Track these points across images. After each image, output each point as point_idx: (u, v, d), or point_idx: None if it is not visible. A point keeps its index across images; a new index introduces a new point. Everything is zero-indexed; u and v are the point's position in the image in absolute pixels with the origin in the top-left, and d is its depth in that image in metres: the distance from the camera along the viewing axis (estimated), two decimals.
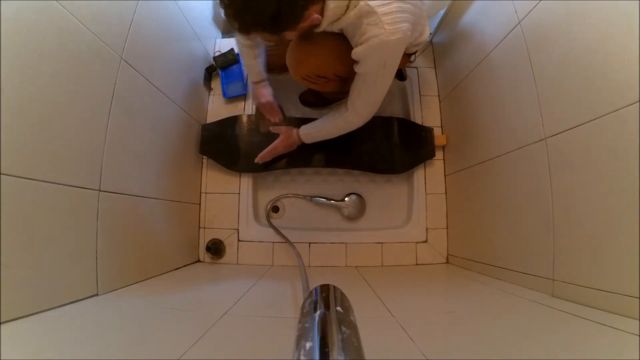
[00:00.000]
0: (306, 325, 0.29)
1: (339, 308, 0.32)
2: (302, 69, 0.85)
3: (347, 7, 0.70)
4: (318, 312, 0.31)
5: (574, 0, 0.59)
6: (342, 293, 0.37)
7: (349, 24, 0.72)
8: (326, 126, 0.96)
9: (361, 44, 0.72)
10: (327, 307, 0.32)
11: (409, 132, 1.14)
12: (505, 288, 0.73)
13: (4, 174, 0.46)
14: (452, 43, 1.11)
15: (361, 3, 0.68)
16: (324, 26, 0.74)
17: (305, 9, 0.66)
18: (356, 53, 0.74)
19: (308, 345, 0.26)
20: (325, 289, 0.37)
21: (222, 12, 0.66)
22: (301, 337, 0.28)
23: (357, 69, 0.78)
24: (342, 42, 0.78)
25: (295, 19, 0.67)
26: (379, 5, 0.67)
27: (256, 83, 1.04)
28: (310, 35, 0.79)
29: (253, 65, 1.00)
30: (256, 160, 1.05)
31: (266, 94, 1.04)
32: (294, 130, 1.02)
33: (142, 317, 0.56)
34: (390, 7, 0.68)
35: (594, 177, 0.56)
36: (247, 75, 1.08)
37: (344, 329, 0.28)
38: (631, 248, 0.48)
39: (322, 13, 0.70)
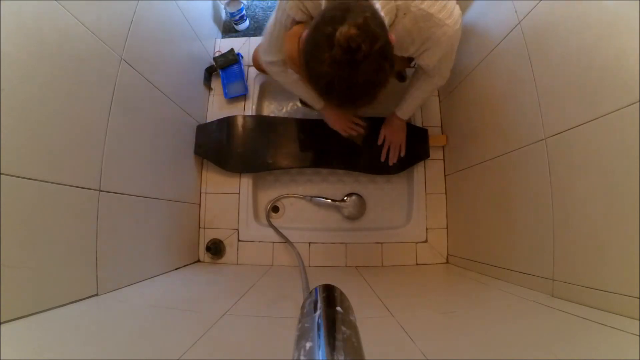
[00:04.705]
0: (306, 325, 0.29)
1: (339, 308, 0.32)
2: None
3: (396, 15, 0.68)
4: (318, 312, 0.31)
5: (574, 0, 0.60)
6: (342, 293, 0.37)
7: (402, 30, 0.71)
8: (418, 96, 0.96)
9: (428, 48, 0.73)
10: (327, 307, 0.32)
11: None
12: (505, 288, 0.73)
13: (4, 174, 0.46)
14: None
15: (412, 9, 0.67)
16: None
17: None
18: (426, 59, 0.76)
19: (308, 345, 0.26)
20: (325, 288, 0.37)
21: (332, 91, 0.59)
22: (301, 337, 0.27)
23: (425, 63, 0.80)
24: None
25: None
26: (429, 6, 0.67)
27: (324, 108, 1.00)
28: None
29: (311, 93, 0.93)
30: (390, 164, 1.08)
31: (342, 113, 1.01)
32: (393, 120, 1.04)
33: (142, 317, 0.56)
34: (439, 3, 0.67)
35: (594, 177, 0.56)
36: (307, 102, 1.02)
37: (344, 329, 0.28)
38: (631, 248, 0.48)
39: None
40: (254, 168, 1.13)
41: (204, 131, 1.13)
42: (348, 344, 0.26)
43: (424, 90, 0.95)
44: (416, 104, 1.00)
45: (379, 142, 1.09)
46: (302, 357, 0.25)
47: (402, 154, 1.08)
